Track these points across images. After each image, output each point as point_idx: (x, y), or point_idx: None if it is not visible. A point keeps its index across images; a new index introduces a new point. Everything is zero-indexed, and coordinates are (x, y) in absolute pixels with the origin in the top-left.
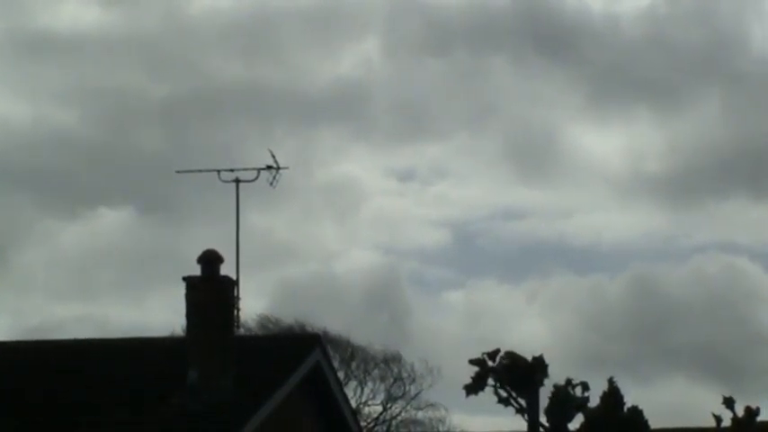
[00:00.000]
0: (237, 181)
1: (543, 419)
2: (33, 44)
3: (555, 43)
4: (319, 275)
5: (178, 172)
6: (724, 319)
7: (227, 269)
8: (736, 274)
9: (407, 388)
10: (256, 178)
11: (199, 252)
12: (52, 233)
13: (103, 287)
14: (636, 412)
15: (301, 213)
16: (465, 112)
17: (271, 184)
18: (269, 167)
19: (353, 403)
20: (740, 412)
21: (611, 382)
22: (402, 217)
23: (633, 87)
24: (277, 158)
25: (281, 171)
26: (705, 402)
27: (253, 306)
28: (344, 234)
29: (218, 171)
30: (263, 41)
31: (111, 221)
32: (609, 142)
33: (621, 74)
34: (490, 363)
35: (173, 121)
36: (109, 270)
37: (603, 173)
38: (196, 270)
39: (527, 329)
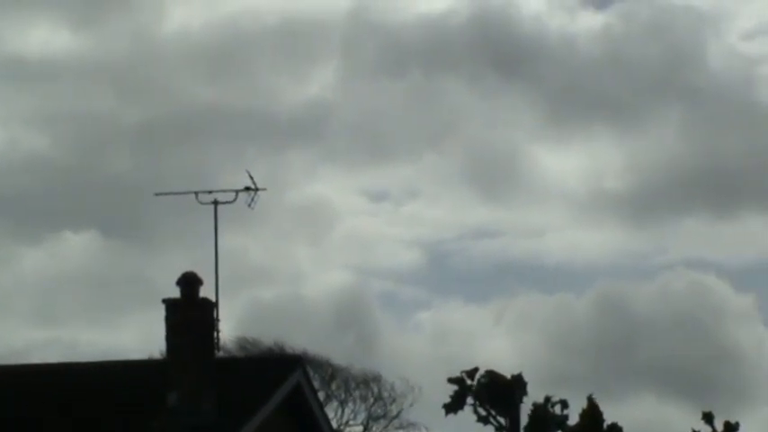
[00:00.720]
0: (216, 203)
1: None
2: (3, 69)
3: (512, 63)
4: (292, 297)
5: (157, 194)
6: (692, 336)
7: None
8: (703, 291)
9: (388, 408)
10: (235, 200)
11: (171, 275)
12: (19, 257)
13: (72, 311)
14: (615, 429)
15: (274, 235)
16: (428, 133)
17: (249, 205)
18: (247, 189)
19: (335, 424)
20: (719, 427)
21: (590, 399)
22: (375, 237)
23: (591, 106)
24: (254, 180)
25: (258, 192)
26: (675, 419)
27: (228, 328)
28: (318, 255)
29: (197, 193)
30: (232, 64)
31: (77, 245)
32: (569, 161)
33: (579, 93)
34: (469, 381)
35: (143, 145)
36: (78, 294)
37: (565, 192)
38: (168, 293)
39: (497, 348)
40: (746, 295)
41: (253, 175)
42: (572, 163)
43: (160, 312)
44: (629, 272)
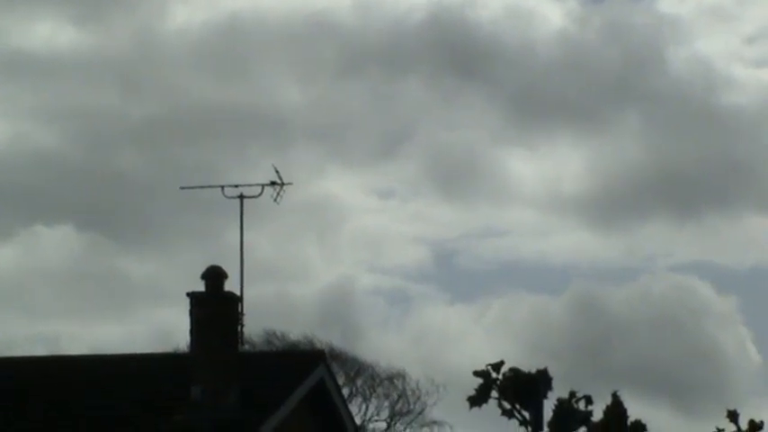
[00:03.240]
0: (242, 197)
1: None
2: (7, 64)
3: (470, 65)
4: (297, 293)
5: (182, 188)
6: (670, 338)
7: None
8: (681, 293)
9: (412, 405)
10: (261, 194)
11: (175, 271)
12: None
13: (57, 306)
14: (639, 426)
15: (283, 231)
16: (387, 135)
17: (275, 200)
18: (273, 183)
19: (358, 420)
20: (744, 425)
21: (614, 395)
22: (382, 235)
23: (551, 110)
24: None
25: (284, 187)
26: (655, 420)
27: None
28: (328, 252)
29: (222, 187)
30: (234, 61)
31: (55, 239)
32: (531, 164)
33: (538, 96)
34: (494, 374)
35: (147, 141)
36: (76, 290)
37: (527, 194)
38: (162, 291)
39: (476, 347)
40: (728, 297)
41: (258, 173)
42: (533, 166)
43: (164, 308)
44: (601, 274)
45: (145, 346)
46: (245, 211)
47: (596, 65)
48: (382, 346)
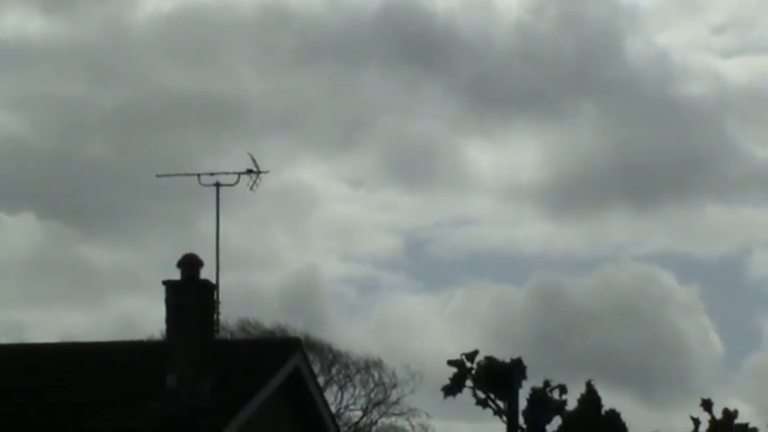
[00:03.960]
0: (218, 185)
1: (521, 421)
2: None
3: (426, 56)
4: (267, 281)
5: (158, 176)
6: (632, 327)
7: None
8: (644, 282)
9: (388, 393)
10: (237, 182)
11: (146, 259)
12: None
13: (20, 294)
14: (613, 415)
15: (256, 219)
16: (345, 125)
17: (251, 188)
18: (249, 171)
19: (334, 408)
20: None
21: (588, 384)
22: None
23: (508, 99)
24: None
25: (261, 175)
26: (618, 409)
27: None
28: (298, 239)
29: (199, 175)
30: (203, 50)
31: (19, 227)
32: (489, 153)
33: (495, 86)
34: (468, 364)
35: (117, 129)
36: (30, 278)
37: (486, 183)
38: (132, 279)
39: (438, 337)
40: (689, 287)
41: (230, 161)
42: (492, 156)
43: (135, 296)
44: (562, 264)
45: (113, 335)
46: (230, 198)
47: (553, 55)
48: (347, 334)
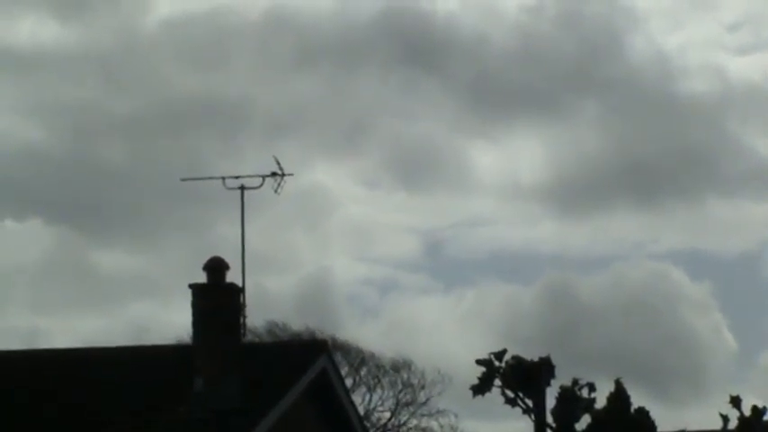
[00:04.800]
0: (242, 188)
1: (550, 420)
2: None
3: (427, 56)
4: (299, 283)
5: (183, 180)
6: (646, 325)
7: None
8: (657, 279)
9: (417, 394)
10: (261, 185)
11: (165, 264)
12: None
13: (36, 300)
14: (643, 413)
15: (272, 222)
16: (345, 127)
17: (275, 191)
18: (274, 174)
19: (362, 410)
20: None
21: (617, 382)
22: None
23: (509, 99)
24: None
25: (285, 177)
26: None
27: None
28: (318, 241)
29: (223, 178)
30: (216, 54)
31: (32, 233)
32: (491, 154)
33: (497, 86)
34: (497, 363)
35: (133, 135)
36: (65, 283)
37: (490, 184)
38: (152, 284)
39: (451, 337)
40: (702, 284)
41: (247, 165)
42: (494, 156)
43: (153, 301)
44: (571, 262)
45: (132, 339)
46: (235, 203)
47: (553, 53)
48: (369, 335)
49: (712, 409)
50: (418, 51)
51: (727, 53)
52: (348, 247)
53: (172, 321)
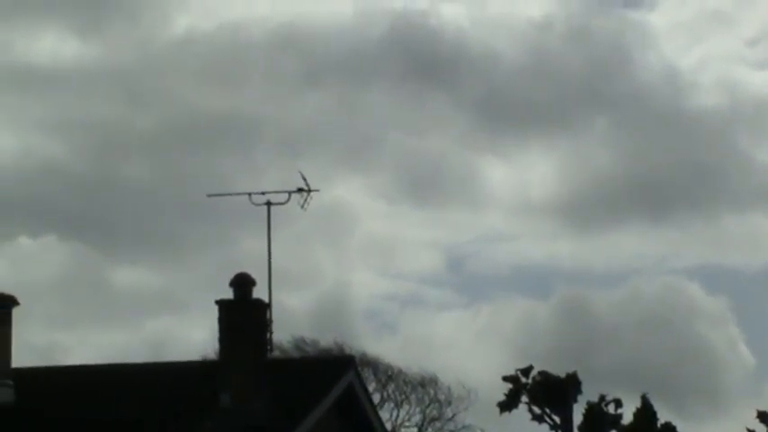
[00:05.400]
0: (269, 204)
1: None
2: (12, 77)
3: (434, 72)
4: (321, 299)
5: (209, 195)
6: (661, 340)
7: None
8: (673, 294)
9: (444, 410)
10: (287, 201)
11: (177, 280)
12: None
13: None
14: (669, 428)
15: (295, 238)
16: (353, 144)
17: (302, 206)
18: (300, 190)
19: (389, 426)
20: None
21: (644, 398)
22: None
23: (521, 115)
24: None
25: (311, 193)
26: None
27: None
28: (340, 256)
29: (250, 194)
30: (235, 71)
31: (60, 249)
32: (502, 170)
33: (507, 102)
34: (524, 379)
35: (153, 151)
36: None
37: (501, 200)
38: (174, 300)
39: (466, 355)
40: (718, 298)
41: (267, 181)
42: (506, 172)
43: (174, 317)
44: (588, 277)
45: (154, 356)
46: (256, 219)
47: (562, 70)
48: (394, 351)
49: (730, 423)
50: (428, 67)
51: (746, 67)
52: (372, 262)
53: (192, 337)
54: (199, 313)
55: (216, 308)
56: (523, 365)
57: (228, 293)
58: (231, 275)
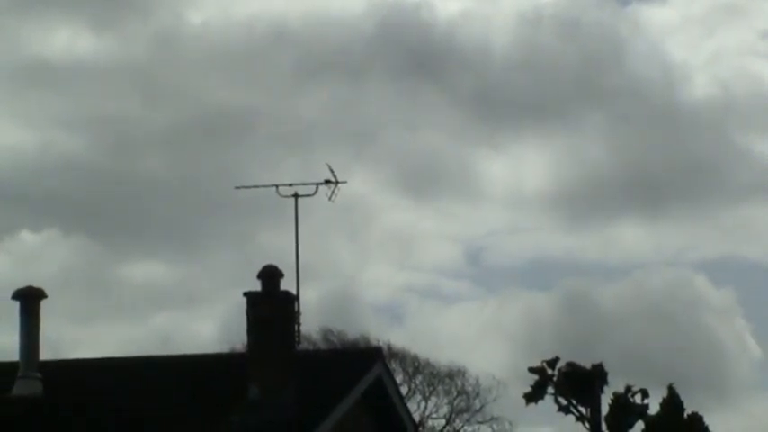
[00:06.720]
0: (296, 196)
1: (604, 427)
2: (27, 72)
3: (428, 67)
4: (339, 292)
5: (237, 188)
6: (663, 331)
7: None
8: (678, 287)
9: (471, 401)
10: (315, 193)
11: (198, 273)
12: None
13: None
14: (696, 418)
15: (314, 230)
16: (352, 138)
17: (329, 198)
18: (327, 182)
19: (417, 417)
20: None
21: (670, 388)
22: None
23: (515, 110)
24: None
25: (339, 185)
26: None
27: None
28: (361, 249)
29: (277, 186)
30: (251, 65)
31: (71, 244)
32: (498, 164)
33: (501, 97)
34: (550, 371)
35: (169, 145)
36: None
37: (498, 194)
38: (195, 293)
39: (470, 346)
40: (724, 290)
41: (284, 174)
42: (501, 166)
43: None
44: (586, 269)
45: (177, 349)
46: (276, 212)
47: (556, 64)
48: (420, 342)
49: (737, 415)
50: (421, 62)
51: (762, 60)
52: (392, 255)
53: (206, 332)
54: (219, 306)
55: (232, 301)
56: (546, 358)
57: (244, 287)
58: (248, 269)
